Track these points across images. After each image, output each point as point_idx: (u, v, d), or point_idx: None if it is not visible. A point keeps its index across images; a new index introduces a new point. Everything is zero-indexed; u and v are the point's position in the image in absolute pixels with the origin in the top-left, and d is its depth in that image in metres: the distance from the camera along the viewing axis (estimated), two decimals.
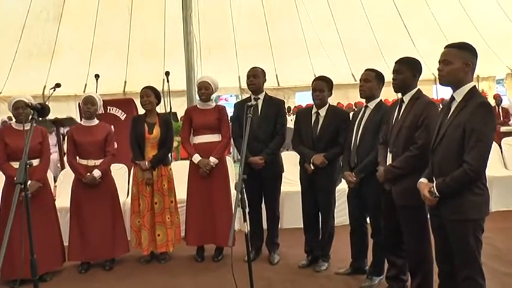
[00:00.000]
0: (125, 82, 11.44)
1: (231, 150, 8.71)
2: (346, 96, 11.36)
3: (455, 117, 2.20)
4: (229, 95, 17.00)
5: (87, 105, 3.62)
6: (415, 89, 2.78)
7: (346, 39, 11.62)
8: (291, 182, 4.35)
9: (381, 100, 3.22)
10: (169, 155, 5.91)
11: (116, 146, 5.09)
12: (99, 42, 10.56)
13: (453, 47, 2.25)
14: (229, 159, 4.88)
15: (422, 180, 2.38)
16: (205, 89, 3.77)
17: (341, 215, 4.11)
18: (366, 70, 3.21)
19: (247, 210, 2.47)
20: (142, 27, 10.69)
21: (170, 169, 3.88)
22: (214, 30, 11.09)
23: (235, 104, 3.93)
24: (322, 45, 11.53)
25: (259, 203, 3.86)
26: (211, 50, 11.71)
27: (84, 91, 6.52)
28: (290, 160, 4.01)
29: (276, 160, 3.73)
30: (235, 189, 2.36)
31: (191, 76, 5.89)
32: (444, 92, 13.26)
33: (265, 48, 11.79)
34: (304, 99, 13.58)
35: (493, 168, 5.10)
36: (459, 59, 2.20)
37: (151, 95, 3.77)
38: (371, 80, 3.15)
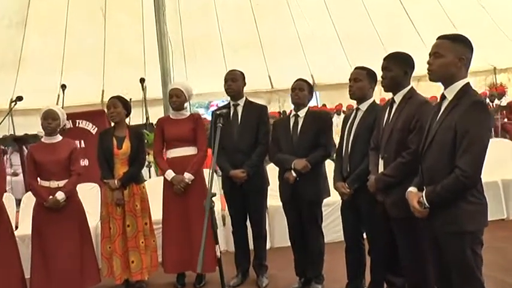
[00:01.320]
0: (103, 91, 11.42)
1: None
2: (346, 97, 11.37)
3: (446, 118, 2.18)
4: (220, 101, 17.06)
5: (48, 121, 3.59)
6: (408, 88, 2.77)
7: (343, 32, 11.63)
8: (278, 195, 4.31)
9: (374, 101, 3.21)
10: (151, 170, 5.90)
11: (87, 163, 5.11)
12: (71, 48, 10.56)
13: (445, 39, 2.23)
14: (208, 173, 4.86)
15: (411, 189, 2.36)
16: (177, 97, 3.76)
17: (335, 230, 4.08)
18: (356, 68, 3.22)
19: (220, 230, 2.43)
20: (118, 30, 10.70)
21: (143, 187, 3.85)
22: (198, 28, 11.12)
23: (212, 112, 3.91)
24: (317, 41, 11.53)
25: (243, 221, 3.84)
26: (196, 52, 11.75)
27: (57, 103, 6.50)
28: (276, 172, 3.99)
29: (260, 173, 3.72)
30: (204, 207, 2.31)
31: (167, 82, 5.88)
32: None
33: (255, 47, 11.79)
34: None
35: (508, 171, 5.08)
36: (452, 52, 2.18)
37: (118, 105, 3.75)
38: (361, 79, 3.14)
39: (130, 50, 10.76)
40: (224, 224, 4.66)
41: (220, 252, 2.46)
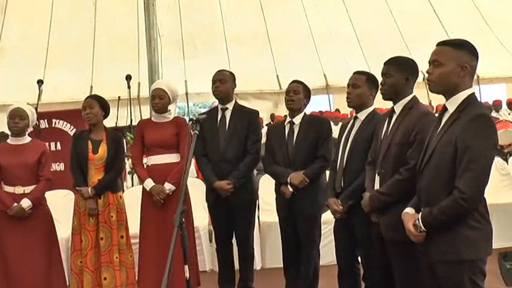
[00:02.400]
0: (91, 87, 11.55)
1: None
2: None
3: (446, 132, 2.20)
4: None
5: (14, 120, 3.65)
6: (409, 97, 2.79)
7: (362, 30, 11.65)
8: (272, 210, 4.34)
9: (374, 110, 3.24)
10: (134, 178, 5.95)
11: (62, 167, 5.18)
12: (56, 39, 10.67)
13: (446, 45, 2.25)
14: (196, 182, 4.91)
15: (408, 210, 2.38)
16: (160, 98, 3.80)
17: (326, 252, 4.08)
18: (355, 73, 3.25)
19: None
20: (110, 21, 10.81)
21: (121, 197, 3.88)
22: (198, 20, 11.19)
23: (199, 115, 3.94)
24: (332, 38, 11.55)
25: (228, 237, 3.87)
26: (196, 46, 11.85)
27: (38, 99, 6.61)
28: (271, 184, 3.99)
29: (248, 185, 3.75)
30: (174, 223, 2.35)
31: (155, 79, 5.94)
32: (489, 95, 13.27)
33: (262, 42, 11.85)
34: (313, 105, 13.62)
35: None
36: (453, 60, 2.20)
37: (95, 105, 3.80)
38: (360, 86, 3.18)
39: (122, 43, 10.86)
40: (211, 240, 4.71)
41: (187, 275, 2.48)
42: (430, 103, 10.00)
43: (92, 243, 3.75)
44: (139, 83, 10.50)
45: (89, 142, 3.79)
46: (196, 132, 2.68)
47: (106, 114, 3.89)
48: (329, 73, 12.26)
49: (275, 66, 12.24)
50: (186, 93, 13.25)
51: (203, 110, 3.71)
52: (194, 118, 2.82)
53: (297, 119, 3.58)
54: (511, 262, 4.11)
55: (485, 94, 13.16)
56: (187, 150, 2.58)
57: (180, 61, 11.73)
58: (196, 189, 4.59)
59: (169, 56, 10.94)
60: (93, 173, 3.78)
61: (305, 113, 3.67)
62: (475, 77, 11.23)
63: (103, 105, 3.86)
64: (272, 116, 11.73)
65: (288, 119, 3.63)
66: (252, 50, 11.85)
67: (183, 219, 2.44)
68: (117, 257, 3.77)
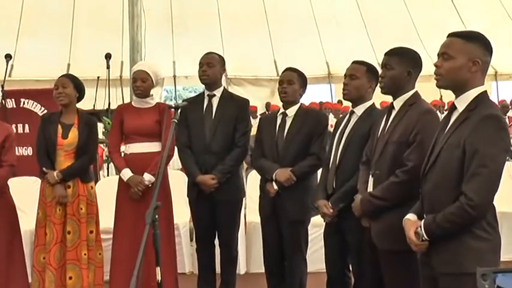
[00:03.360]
0: (68, 65, 11.50)
1: None
2: None
3: (454, 133, 2.21)
4: None
5: None
6: (411, 92, 2.81)
7: (370, 15, 11.65)
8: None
9: (372, 104, 3.26)
10: (111, 167, 5.96)
11: (30, 152, 5.19)
12: (30, 8, 10.57)
13: (457, 37, 2.26)
14: (178, 175, 4.92)
15: (410, 216, 2.39)
16: (142, 81, 3.81)
17: (315, 259, 4.12)
18: (354, 63, 3.27)
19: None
20: None
21: (92, 187, 3.90)
22: None
23: (183, 101, 3.96)
24: (337, 23, 11.55)
25: (210, 237, 3.89)
26: (187, 26, 11.80)
27: (4, 76, 6.57)
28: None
29: (234, 180, 3.77)
30: (146, 220, 2.37)
31: (137, 60, 5.94)
32: (508, 92, 13.31)
33: (260, 23, 11.82)
34: (312, 95, 13.63)
35: None
36: (464, 54, 2.20)
37: (68, 85, 3.80)
38: (359, 77, 3.19)
39: (105, 16, 10.79)
40: (192, 239, 4.73)
41: (159, 278, 2.50)
42: (441, 98, 10.05)
43: (58, 238, 3.74)
44: (122, 62, 10.46)
45: (59, 126, 3.79)
46: (175, 120, 2.68)
47: (80, 96, 3.89)
48: (332, 61, 12.26)
49: (273, 50, 12.23)
50: (174, 76, 13.24)
51: (193, 95, 3.73)
52: (173, 105, 2.83)
53: (291, 111, 3.60)
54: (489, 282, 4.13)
55: (504, 91, 13.23)
56: (164, 142, 2.59)
57: (168, 40, 11.70)
58: (179, 182, 4.58)
59: (155, 34, 10.87)
60: (62, 160, 3.78)
61: (301, 105, 3.67)
62: (493, 72, 11.27)
63: (77, 86, 3.86)
64: (267, 105, 11.74)
65: (281, 110, 3.64)
66: (248, 30, 11.82)
67: (157, 216, 2.44)
68: (85, 254, 3.77)
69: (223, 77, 13.00)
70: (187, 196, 3.90)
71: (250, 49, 12.07)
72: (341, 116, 3.59)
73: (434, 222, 2.20)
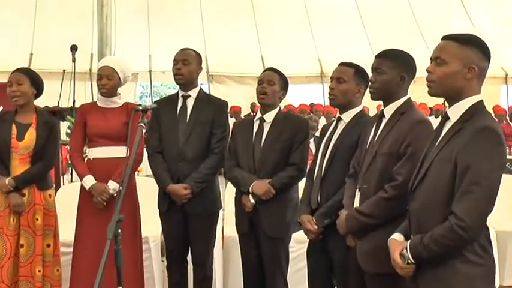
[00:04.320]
0: (31, 55, 11.44)
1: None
2: (367, 95, 11.48)
3: (445, 146, 2.22)
4: (199, 83, 17.03)
5: None
6: (403, 99, 2.83)
7: (367, 9, 11.73)
8: None
9: (362, 110, 3.28)
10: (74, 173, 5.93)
11: None
12: None
13: (452, 40, 2.28)
14: (150, 182, 4.89)
15: (396, 236, 2.41)
16: (108, 79, 3.81)
17: (298, 279, 4.11)
18: (341, 65, 3.28)
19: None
20: None
21: (50, 196, 3.88)
22: None
23: (154, 103, 3.97)
24: (331, 17, 11.61)
25: (182, 254, 3.90)
26: (165, 15, 11.80)
27: None
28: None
29: (209, 191, 3.78)
30: (107, 235, 2.36)
31: (106, 54, 5.92)
32: None
33: (246, 15, 11.85)
34: (303, 95, 13.67)
35: None
36: (458, 59, 2.23)
37: (24, 81, 3.78)
38: (346, 80, 3.20)
39: (73, 3, 10.75)
40: (163, 254, 4.71)
41: None
42: (444, 103, 10.13)
43: (11, 252, 3.71)
44: (91, 55, 10.45)
45: (13, 126, 3.77)
46: (142, 125, 2.69)
47: (38, 93, 3.87)
48: (325, 59, 12.34)
49: (260, 46, 12.29)
50: (150, 71, 13.24)
51: (172, 92, 3.67)
52: (140, 107, 2.81)
53: (269, 116, 3.61)
54: None
55: None
56: (129, 146, 2.59)
57: (143, 32, 11.69)
58: (149, 190, 4.54)
59: (128, 25, 10.88)
60: (17, 164, 3.75)
61: (280, 109, 3.68)
62: (503, 75, 11.42)
63: (34, 82, 3.83)
64: (253, 106, 11.77)
65: (258, 115, 3.65)
66: (233, 23, 11.87)
67: (120, 230, 2.44)
68: (39, 271, 3.74)
69: (205, 74, 13.15)
70: (158, 207, 3.89)
71: (235, 43, 12.10)
72: (325, 124, 3.58)
73: (421, 244, 2.20)
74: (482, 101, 2.27)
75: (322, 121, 10.03)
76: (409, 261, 2.25)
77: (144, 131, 3.87)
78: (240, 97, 12.09)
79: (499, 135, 2.18)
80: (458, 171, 2.14)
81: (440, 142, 2.27)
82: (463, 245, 2.16)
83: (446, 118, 2.31)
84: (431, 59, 2.31)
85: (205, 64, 12.63)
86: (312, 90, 13.35)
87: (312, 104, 11.91)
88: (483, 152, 2.13)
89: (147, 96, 18.82)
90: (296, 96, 13.11)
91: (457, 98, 2.26)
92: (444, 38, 2.32)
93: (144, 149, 4.04)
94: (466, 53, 2.24)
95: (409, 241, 2.28)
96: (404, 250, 2.27)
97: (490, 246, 2.23)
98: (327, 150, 3.21)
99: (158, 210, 3.95)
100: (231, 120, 11.58)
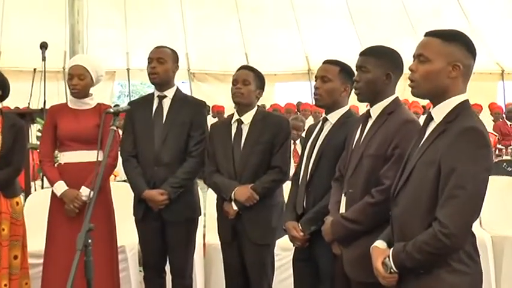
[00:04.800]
0: None
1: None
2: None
3: (429, 148, 2.22)
4: (180, 82, 17.11)
5: None
6: (390, 98, 2.84)
7: (356, 2, 11.76)
8: None
9: (349, 110, 3.29)
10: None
11: None
12: None
13: (435, 36, 2.28)
14: (126, 187, 4.87)
15: (378, 243, 2.41)
16: (79, 79, 3.79)
17: None
18: (326, 63, 3.29)
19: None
20: None
21: (18, 203, 3.86)
22: None
23: (128, 104, 3.95)
24: (318, 11, 11.64)
25: (160, 264, 3.89)
26: (143, 10, 11.76)
27: None
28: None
29: (188, 196, 3.78)
30: (77, 246, 2.35)
31: (77, 51, 5.88)
32: None
33: (229, 10, 11.84)
34: (290, 94, 13.70)
35: None
36: (442, 57, 2.22)
37: None
38: (332, 79, 3.20)
39: None
40: (141, 264, 4.69)
41: None
42: None
43: None
44: (65, 52, 10.38)
45: None
46: (114, 128, 2.68)
47: (4, 94, 3.85)
48: (312, 55, 12.35)
49: (244, 42, 12.26)
50: (128, 69, 13.19)
51: (151, 91, 3.66)
52: (112, 109, 2.81)
53: (247, 117, 3.61)
54: None
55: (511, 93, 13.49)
56: (99, 149, 2.59)
57: (120, 27, 11.63)
58: (126, 196, 4.54)
59: (104, 20, 10.83)
60: None
61: (258, 109, 3.70)
62: (499, 71, 11.48)
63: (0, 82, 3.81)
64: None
65: (236, 117, 3.64)
66: (216, 18, 11.85)
67: (90, 241, 2.43)
68: (6, 285, 3.71)
69: (186, 72, 13.13)
70: (133, 215, 3.89)
71: (217, 39, 12.09)
72: (311, 125, 3.59)
73: (403, 252, 2.20)
74: (467, 100, 2.27)
75: (310, 121, 10.02)
76: (392, 270, 2.25)
77: (121, 132, 3.92)
78: (223, 96, 12.02)
79: (484, 137, 2.18)
80: (442, 174, 2.14)
81: (423, 144, 2.27)
82: (448, 253, 2.15)
83: (430, 119, 2.31)
84: (414, 56, 2.31)
85: (186, 61, 12.69)
86: (298, 89, 13.39)
87: (299, 103, 11.90)
88: (468, 154, 2.12)
89: (126, 96, 18.79)
90: (282, 95, 13.16)
91: (441, 98, 2.26)
92: (427, 34, 2.32)
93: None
94: (450, 49, 2.23)
95: (391, 249, 2.28)
96: (387, 258, 2.27)
97: (476, 254, 2.23)
98: (312, 153, 3.22)
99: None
100: (214, 121, 11.65)
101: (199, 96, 13.47)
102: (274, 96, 12.84)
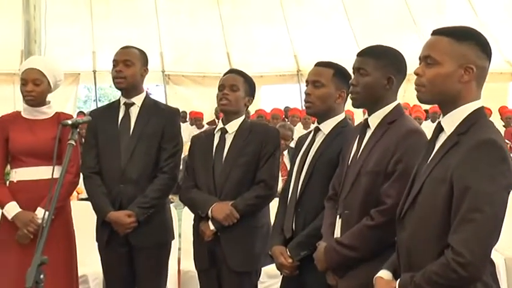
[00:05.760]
0: None
1: None
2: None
3: (439, 163, 2.20)
4: (153, 85, 17.08)
5: None
6: (391, 105, 2.83)
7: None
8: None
9: (344, 119, 3.29)
10: None
11: None
12: None
13: (445, 35, 2.27)
14: (88, 207, 4.82)
15: (382, 274, 2.40)
16: (34, 84, 3.75)
17: None
18: (318, 65, 3.28)
19: None
20: None
21: None
22: None
23: (91, 113, 3.90)
24: (308, 7, 11.69)
25: None
26: (111, 6, 11.72)
27: None
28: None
29: (159, 218, 3.76)
30: (26, 283, 2.29)
31: (34, 52, 5.84)
32: None
33: (209, 5, 11.87)
34: (277, 98, 13.73)
35: None
36: (453, 59, 2.21)
37: None
38: (324, 84, 3.19)
39: None
40: None
41: None
42: None
43: None
44: (22, 52, 10.35)
45: None
46: (72, 143, 2.64)
47: None
48: (302, 54, 12.40)
49: (225, 39, 12.28)
50: (94, 71, 13.14)
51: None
52: (69, 121, 2.77)
53: (232, 126, 3.60)
54: None
55: None
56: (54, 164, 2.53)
57: (86, 25, 11.59)
58: (89, 217, 4.50)
59: (67, 16, 10.79)
60: None
61: (245, 118, 3.69)
62: (510, 70, 11.51)
63: None
64: (217, 112, 11.73)
65: (220, 125, 3.64)
66: (193, 12, 11.84)
67: (42, 276, 2.36)
68: None
69: (160, 74, 13.11)
70: (96, 240, 3.86)
71: (195, 37, 12.09)
72: (301, 135, 3.56)
73: (411, 284, 2.18)
74: (482, 108, 2.26)
75: (299, 128, 10.02)
76: None
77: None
78: (202, 101, 12.08)
79: (502, 150, 2.15)
80: (455, 194, 2.12)
81: (433, 159, 2.26)
82: (463, 286, 2.13)
83: (440, 130, 2.30)
84: (420, 58, 2.30)
85: (160, 62, 12.67)
86: (287, 92, 13.43)
87: (286, 109, 11.91)
88: (484, 170, 2.10)
89: (93, 100, 18.84)
90: (268, 99, 13.20)
91: (453, 105, 2.25)
92: (435, 32, 2.31)
93: None
94: (461, 50, 2.22)
95: (397, 280, 2.27)
96: None
97: (495, 284, 2.21)
98: (302, 168, 3.20)
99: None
100: (192, 129, 11.67)
101: (175, 101, 13.60)
102: (259, 100, 12.84)
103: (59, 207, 3.69)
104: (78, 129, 2.76)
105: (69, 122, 2.77)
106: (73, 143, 2.66)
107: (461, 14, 11.61)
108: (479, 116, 2.23)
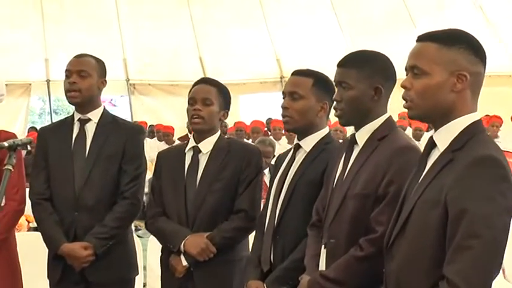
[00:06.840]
0: None
1: None
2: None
3: (432, 183, 2.22)
4: (118, 96, 17.04)
5: None
6: (382, 118, 2.84)
7: None
8: None
9: (328, 134, 3.30)
10: None
11: None
12: None
13: (431, 40, 2.29)
14: (36, 238, 4.81)
15: None
16: None
17: None
18: (295, 74, 3.31)
19: None
20: None
21: None
22: None
23: (39, 131, 3.88)
24: (292, 5, 11.75)
25: None
26: (66, 7, 11.70)
27: None
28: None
29: (120, 250, 3.76)
30: None
31: None
32: None
33: (178, 5, 11.90)
34: (258, 108, 13.74)
35: None
36: (442, 67, 2.24)
37: None
38: (303, 95, 3.21)
39: None
40: None
41: None
42: None
43: None
44: None
45: None
46: (9, 168, 2.63)
47: None
48: (285, 58, 12.45)
49: (197, 43, 12.31)
50: (48, 81, 13.09)
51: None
52: (5, 143, 2.76)
53: (206, 145, 3.60)
54: None
55: None
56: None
57: (37, 28, 11.57)
58: (39, 250, 4.48)
59: (15, 19, 10.76)
60: None
61: (221, 135, 3.69)
62: None
63: None
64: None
65: (192, 143, 3.63)
66: (161, 14, 11.86)
67: None
68: None
69: (125, 83, 13.08)
70: (47, 277, 3.82)
71: (163, 41, 12.10)
72: (280, 154, 3.56)
73: None
74: (479, 121, 2.28)
75: (283, 143, 10.03)
76: None
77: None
78: (172, 113, 12.05)
79: (502, 168, 2.16)
80: (449, 218, 2.14)
81: (424, 178, 2.28)
82: None
83: (432, 146, 2.32)
84: (406, 69, 2.32)
85: (124, 70, 12.67)
86: (269, 101, 13.42)
87: (269, 120, 11.91)
88: (482, 190, 2.12)
89: (49, 114, 18.82)
90: (248, 110, 13.19)
91: (446, 119, 2.27)
92: (420, 38, 2.33)
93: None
94: (451, 56, 2.25)
95: None
96: None
97: None
98: (281, 190, 3.22)
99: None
100: (160, 145, 11.62)
101: (142, 113, 13.59)
102: (238, 111, 12.85)
103: (1, 240, 3.70)
104: (15, 152, 2.76)
105: (6, 144, 2.77)
106: (10, 168, 2.65)
107: (466, 11, 11.73)
108: (477, 130, 2.25)
